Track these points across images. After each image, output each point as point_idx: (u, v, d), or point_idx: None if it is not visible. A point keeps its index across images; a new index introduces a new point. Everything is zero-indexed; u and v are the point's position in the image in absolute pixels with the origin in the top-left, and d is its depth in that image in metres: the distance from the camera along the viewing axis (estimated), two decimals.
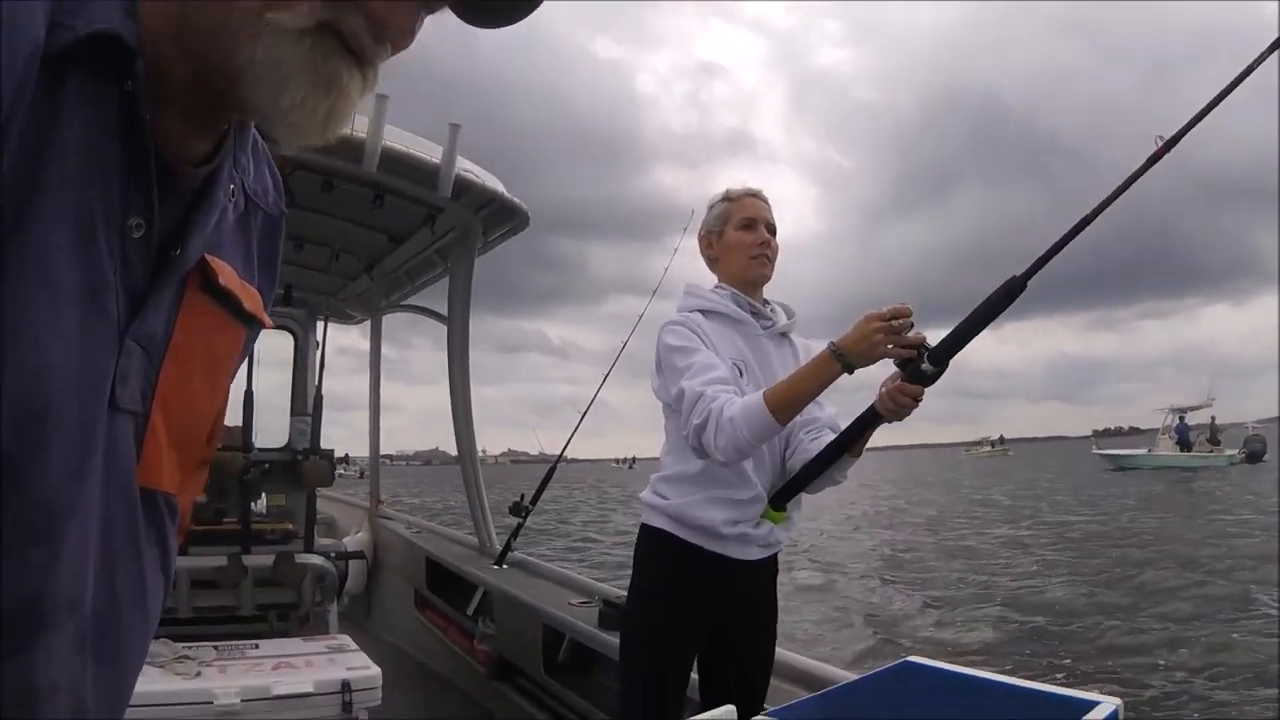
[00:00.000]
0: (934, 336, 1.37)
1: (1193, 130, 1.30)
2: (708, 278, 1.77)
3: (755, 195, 1.73)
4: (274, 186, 0.64)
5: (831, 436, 1.58)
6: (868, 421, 1.47)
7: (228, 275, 0.57)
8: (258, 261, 0.64)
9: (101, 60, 0.44)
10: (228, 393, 0.65)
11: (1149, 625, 7.29)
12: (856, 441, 1.52)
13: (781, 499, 1.60)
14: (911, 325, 1.35)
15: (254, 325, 0.63)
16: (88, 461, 0.47)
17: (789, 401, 1.44)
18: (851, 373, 1.41)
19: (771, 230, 1.71)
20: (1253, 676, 5.68)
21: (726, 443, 1.45)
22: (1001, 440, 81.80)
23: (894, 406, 1.38)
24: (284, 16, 0.46)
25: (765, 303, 1.74)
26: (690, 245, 1.91)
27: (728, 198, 1.74)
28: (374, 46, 0.49)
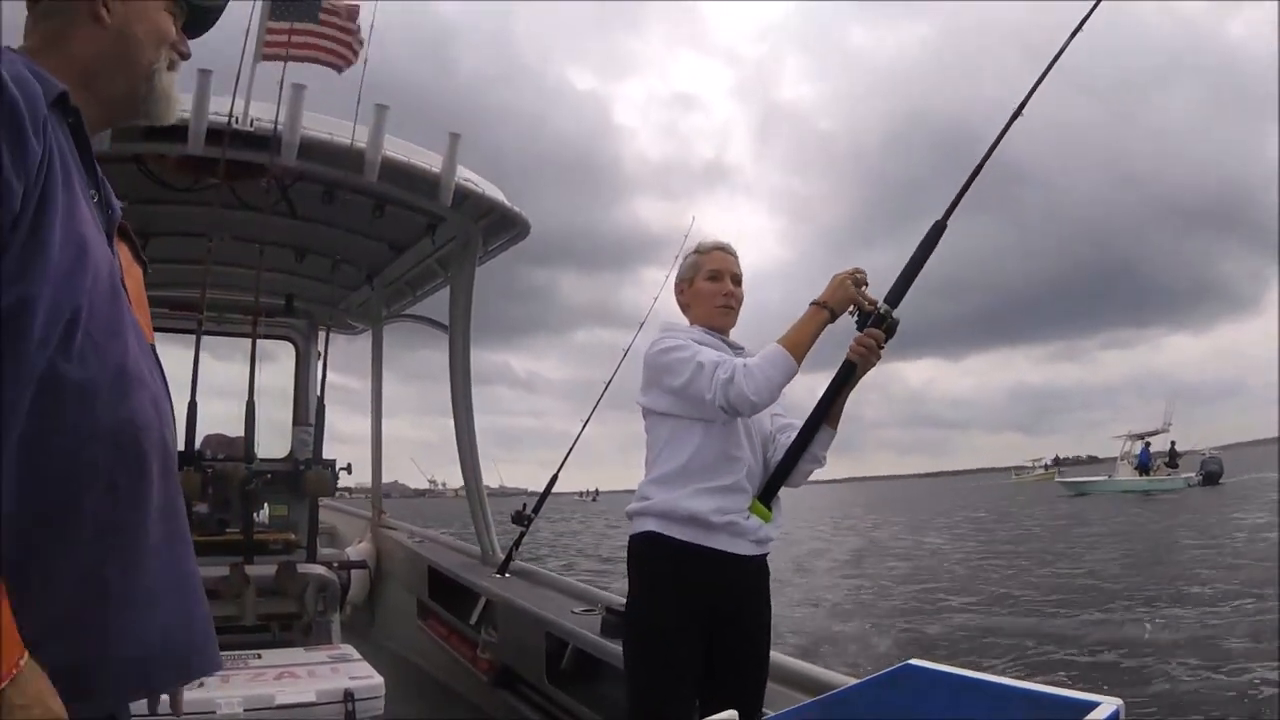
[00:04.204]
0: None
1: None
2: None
3: (723, 249, 1.90)
4: None
5: None
6: (844, 375, 1.68)
7: (127, 227, 1.01)
8: None
9: (59, 101, 0.85)
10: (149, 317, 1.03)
11: (1149, 626, 7.28)
12: (835, 405, 1.70)
13: (770, 491, 1.70)
14: (867, 283, 1.68)
15: (146, 268, 1.05)
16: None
17: (798, 342, 1.65)
18: (834, 319, 1.66)
19: (736, 281, 1.89)
20: (1253, 675, 5.66)
21: (757, 385, 1.61)
22: (1056, 461, 79.94)
23: (863, 350, 1.63)
24: (161, 60, 0.98)
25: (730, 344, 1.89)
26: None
27: (698, 251, 1.92)
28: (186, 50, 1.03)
